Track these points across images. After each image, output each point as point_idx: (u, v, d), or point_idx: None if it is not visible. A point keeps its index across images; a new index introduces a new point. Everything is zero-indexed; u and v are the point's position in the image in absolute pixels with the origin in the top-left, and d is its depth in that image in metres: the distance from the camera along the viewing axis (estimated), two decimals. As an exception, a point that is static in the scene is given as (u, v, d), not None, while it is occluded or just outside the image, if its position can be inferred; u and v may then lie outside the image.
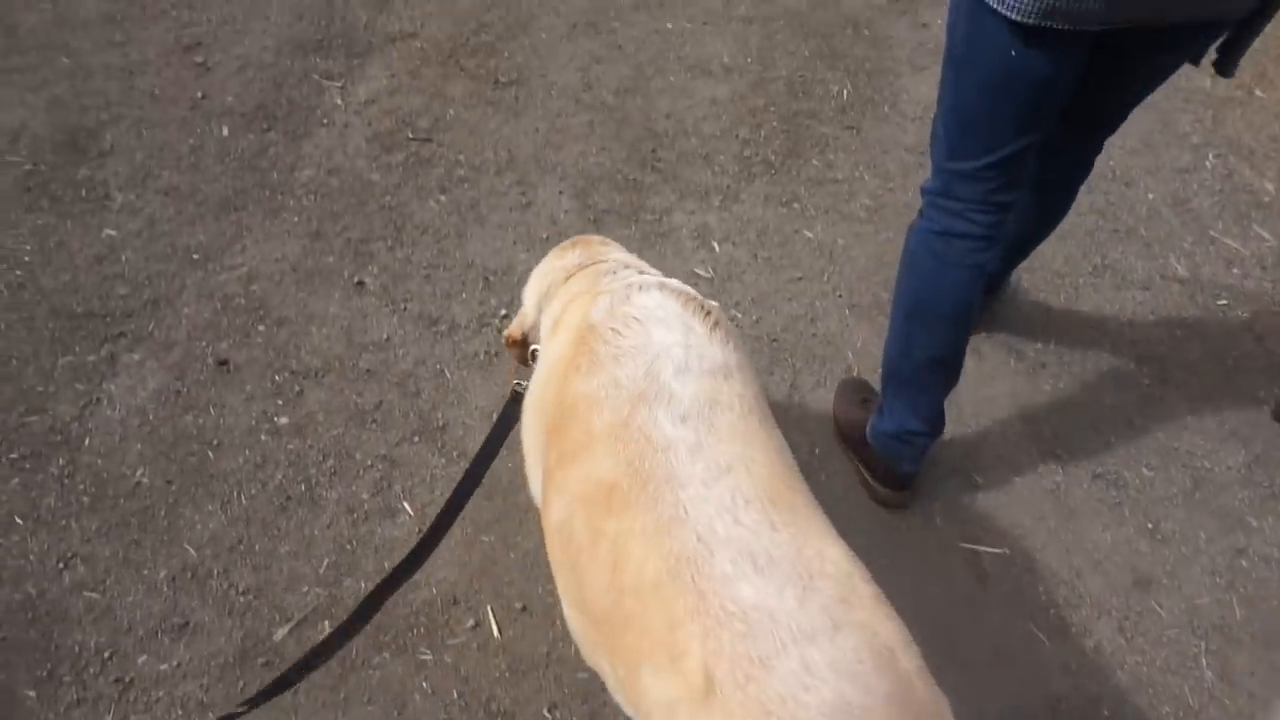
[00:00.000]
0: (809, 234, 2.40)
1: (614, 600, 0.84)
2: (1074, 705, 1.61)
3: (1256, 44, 1.37)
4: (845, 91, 2.92)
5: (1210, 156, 2.83)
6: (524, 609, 1.68)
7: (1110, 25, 1.23)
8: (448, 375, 2.03)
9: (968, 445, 1.98)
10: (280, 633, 1.63)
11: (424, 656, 1.61)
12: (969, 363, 1.86)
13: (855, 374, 2.09)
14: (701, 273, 2.27)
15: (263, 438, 1.90)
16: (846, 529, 0.92)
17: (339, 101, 2.67)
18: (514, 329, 1.28)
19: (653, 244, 2.35)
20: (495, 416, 1.27)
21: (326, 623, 1.64)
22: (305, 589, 1.69)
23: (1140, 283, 2.37)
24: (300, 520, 1.78)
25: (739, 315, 2.17)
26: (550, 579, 1.10)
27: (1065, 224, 2.23)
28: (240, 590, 1.68)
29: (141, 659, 1.59)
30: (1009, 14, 1.25)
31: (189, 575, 1.70)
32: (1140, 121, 2.87)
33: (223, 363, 2.01)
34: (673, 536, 0.80)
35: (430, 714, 1.54)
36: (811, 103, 2.86)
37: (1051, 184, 1.76)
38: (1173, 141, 2.84)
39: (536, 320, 1.23)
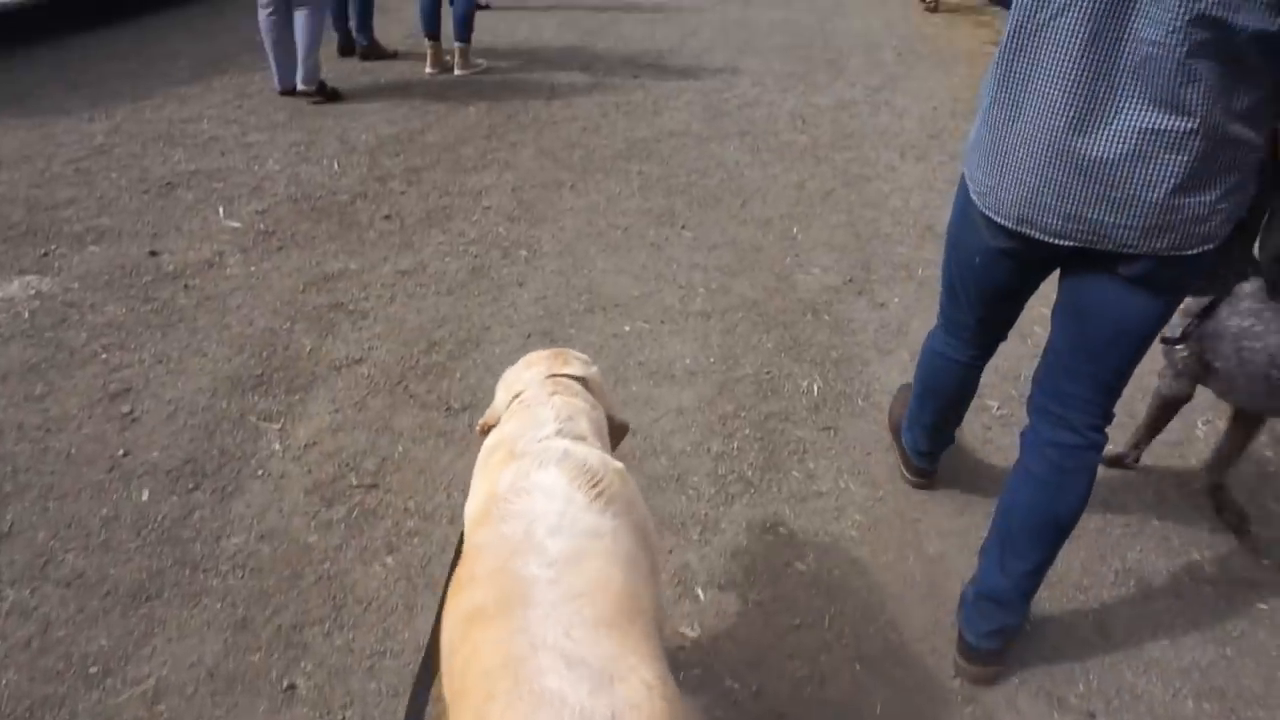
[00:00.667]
0: (801, 566, 2.15)
1: (460, 686, 1.02)
2: None
3: None
4: (815, 386, 2.80)
5: (1199, 423, 2.71)
6: None
7: (1063, 240, 1.49)
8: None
9: None
10: None
11: None
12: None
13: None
14: (688, 631, 1.98)
15: None
16: None
17: (276, 447, 2.46)
18: (489, 418, 1.52)
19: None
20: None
21: None
22: None
23: (1170, 588, 2.13)
24: None
25: (735, 686, 1.86)
26: None
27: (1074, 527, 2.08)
28: None
29: None
30: (988, 211, 1.57)
31: None
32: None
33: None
34: (513, 642, 0.99)
35: None
36: (782, 402, 2.72)
37: (1052, 471, 1.75)
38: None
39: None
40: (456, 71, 5.73)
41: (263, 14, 4.73)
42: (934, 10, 8.49)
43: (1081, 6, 1.32)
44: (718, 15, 7.96)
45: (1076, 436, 1.70)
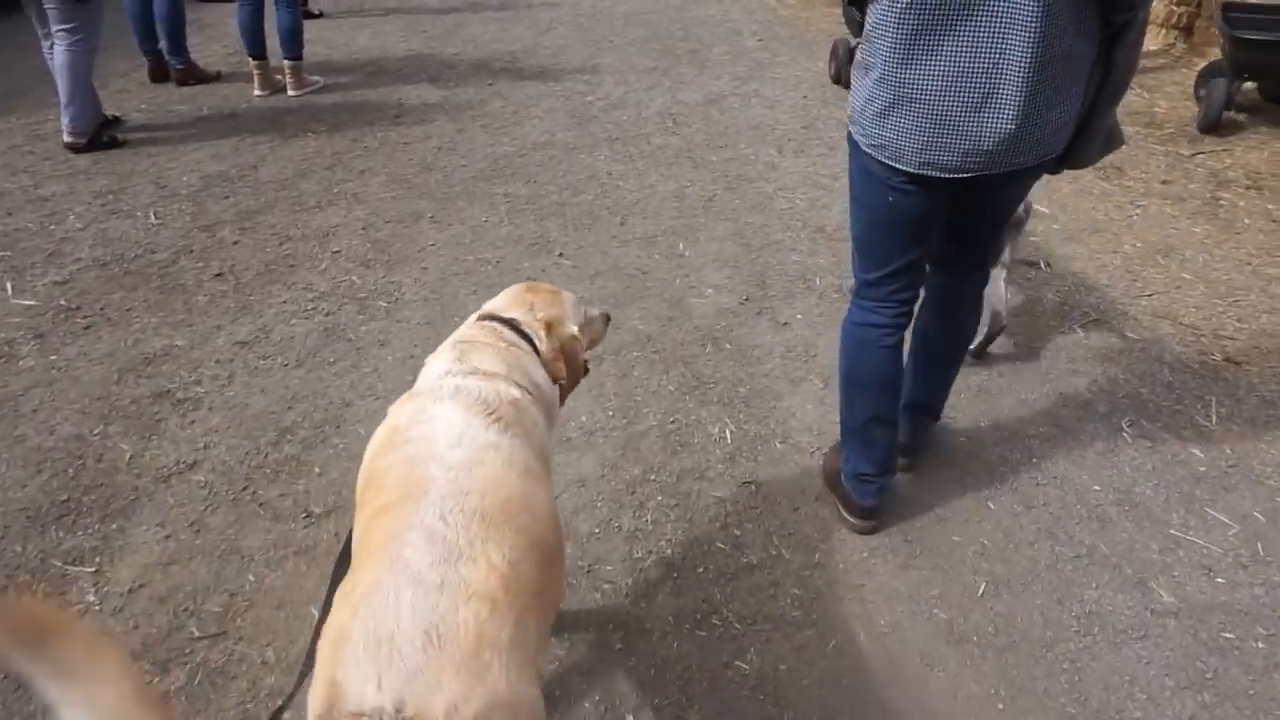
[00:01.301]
0: (742, 665, 1.87)
1: (358, 557, 1.15)
2: None
3: None
4: (727, 432, 2.53)
5: (1124, 424, 2.59)
6: None
7: (960, 174, 1.69)
8: None
9: None
10: None
11: None
12: None
13: None
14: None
15: None
16: None
17: (91, 598, 1.98)
18: None
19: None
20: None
21: None
22: None
23: (1135, 628, 1.97)
24: None
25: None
26: None
27: (1023, 562, 2.12)
28: None
29: None
30: (892, 162, 1.73)
31: None
32: (1047, 398, 2.66)
33: None
34: (396, 524, 1.11)
35: None
36: (694, 456, 2.44)
37: (954, 302, 2.15)
38: (1083, 414, 2.60)
39: None
40: (290, 92, 5.16)
41: (44, 44, 4.06)
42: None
43: None
44: (570, 9, 7.60)
45: (964, 280, 2.13)
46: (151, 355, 2.81)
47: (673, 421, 2.57)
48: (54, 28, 3.88)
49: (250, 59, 5.07)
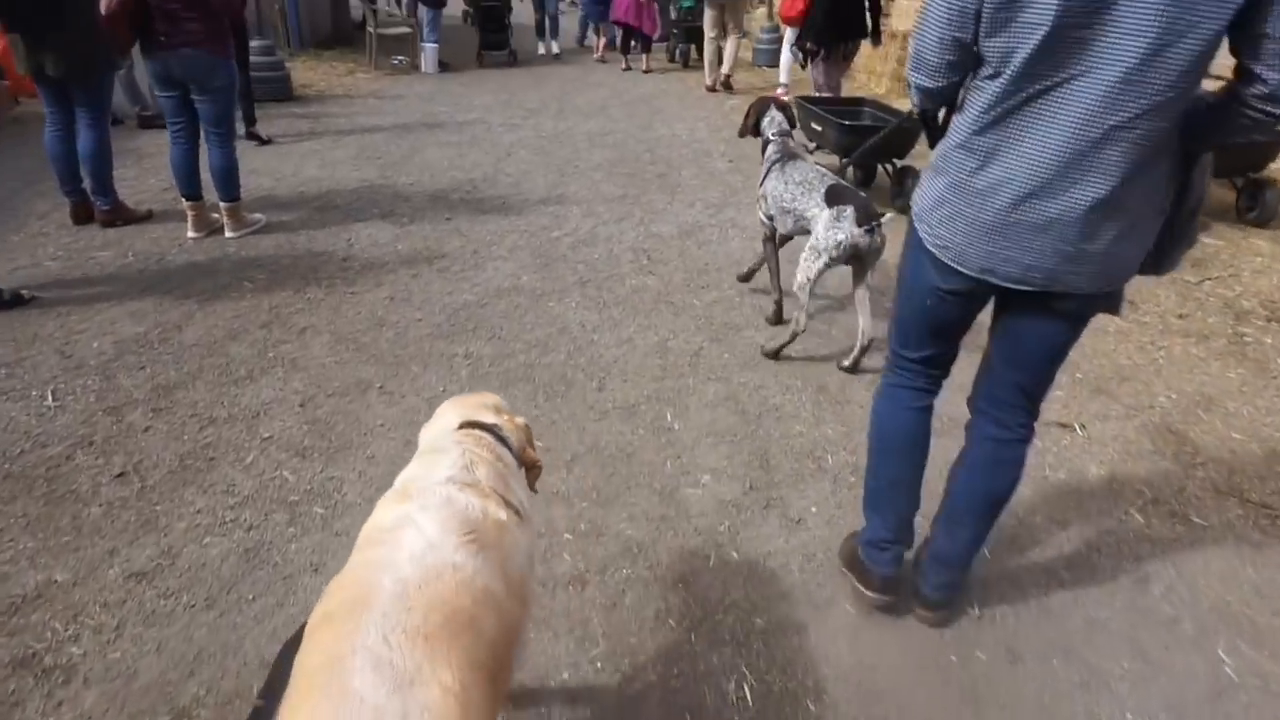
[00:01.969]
0: None
1: (293, 684, 1.07)
2: None
3: None
4: (747, 689, 2.03)
5: (1221, 653, 2.13)
6: None
7: (993, 280, 1.75)
8: None
9: None
10: None
11: None
12: None
13: None
14: None
15: None
16: None
17: None
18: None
19: None
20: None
21: None
22: None
23: None
24: None
25: None
26: None
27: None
28: None
29: None
30: (955, 264, 1.77)
31: None
32: (1120, 616, 2.17)
33: None
34: (338, 644, 1.06)
35: None
36: (709, 729, 1.92)
37: (989, 462, 2.05)
38: (1170, 641, 2.12)
39: None
40: (228, 234, 4.73)
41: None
42: (717, 90, 8.97)
43: (1064, 93, 1.52)
44: (530, 131, 7.37)
45: (1009, 432, 2.01)
46: (20, 599, 2.24)
47: (677, 675, 2.05)
48: None
49: (184, 199, 4.64)
